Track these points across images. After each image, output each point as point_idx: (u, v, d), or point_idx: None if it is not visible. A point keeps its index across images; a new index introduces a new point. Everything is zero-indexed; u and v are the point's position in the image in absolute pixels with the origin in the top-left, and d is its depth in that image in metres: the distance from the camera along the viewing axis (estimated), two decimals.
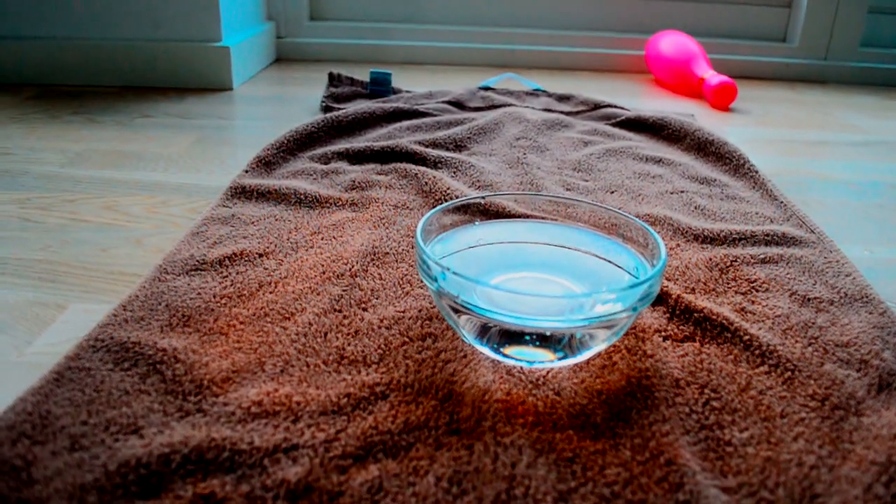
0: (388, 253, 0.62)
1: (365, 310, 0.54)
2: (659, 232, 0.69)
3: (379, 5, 1.57)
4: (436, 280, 0.46)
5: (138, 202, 0.76)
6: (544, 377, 0.46)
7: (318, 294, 0.56)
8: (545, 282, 0.52)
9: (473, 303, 0.44)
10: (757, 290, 0.58)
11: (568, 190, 0.79)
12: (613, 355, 0.49)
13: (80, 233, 0.68)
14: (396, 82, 1.35)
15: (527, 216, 0.63)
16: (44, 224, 0.70)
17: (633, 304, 0.44)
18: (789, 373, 0.48)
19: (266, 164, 0.83)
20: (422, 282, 0.58)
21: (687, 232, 0.69)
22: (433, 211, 0.53)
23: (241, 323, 0.52)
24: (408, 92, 1.22)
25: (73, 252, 0.64)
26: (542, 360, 0.46)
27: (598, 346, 0.47)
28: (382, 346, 0.49)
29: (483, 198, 0.58)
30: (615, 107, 1.14)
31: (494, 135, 0.97)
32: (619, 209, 0.73)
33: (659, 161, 0.90)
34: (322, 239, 0.65)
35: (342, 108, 1.10)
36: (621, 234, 0.55)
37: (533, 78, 1.44)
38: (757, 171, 0.84)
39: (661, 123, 1.02)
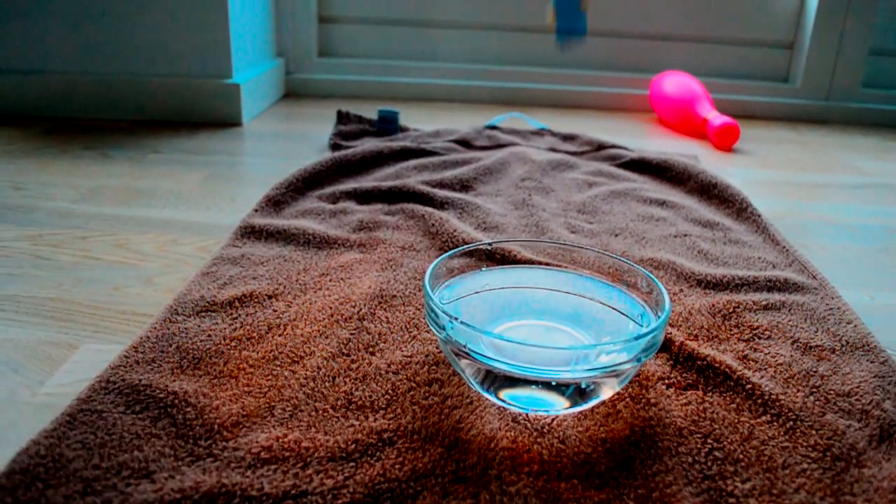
0: (395, 296, 0.63)
1: (372, 354, 0.55)
2: (662, 277, 0.70)
3: (387, 42, 1.59)
4: (443, 328, 0.46)
5: (149, 240, 0.77)
6: (549, 425, 0.47)
7: (327, 337, 0.57)
8: (551, 330, 0.53)
9: (480, 351, 0.45)
10: (759, 338, 0.59)
11: (573, 233, 0.80)
12: (618, 403, 0.50)
13: (92, 271, 0.69)
14: (404, 120, 1.37)
15: (532, 262, 0.64)
16: (56, 262, 0.71)
17: (637, 354, 0.45)
18: (791, 422, 0.49)
19: (275, 203, 0.84)
20: (429, 326, 0.58)
21: (690, 277, 0.69)
22: (441, 258, 0.54)
23: (251, 366, 0.52)
24: (415, 130, 1.24)
25: (85, 291, 0.65)
26: (547, 406, 0.47)
27: (603, 395, 0.48)
28: (390, 391, 0.50)
29: (490, 244, 0.59)
30: (619, 147, 1.15)
31: (500, 175, 0.99)
32: (623, 254, 0.74)
33: (662, 203, 0.91)
34: (330, 280, 0.66)
35: (350, 146, 1.12)
36: (625, 281, 0.56)
37: (538, 116, 1.46)
38: (759, 216, 0.86)
39: (664, 165, 1.04)
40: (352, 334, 0.57)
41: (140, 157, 1.07)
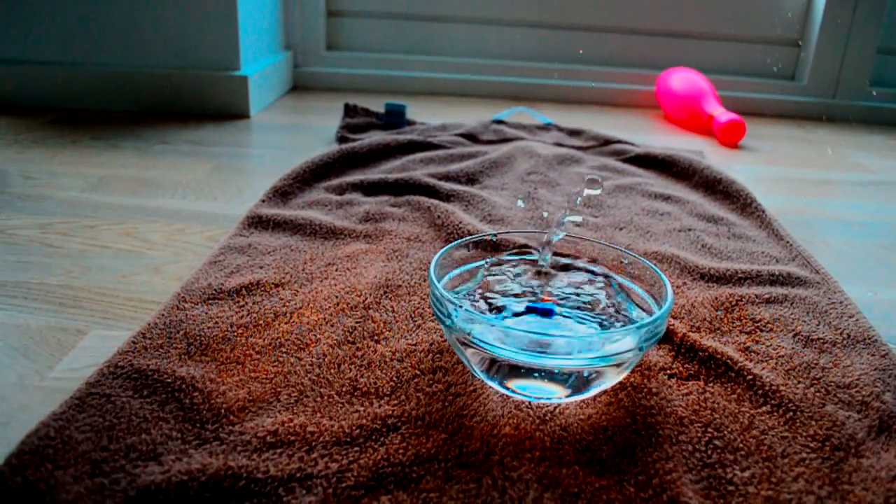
0: (400, 286, 0.64)
1: (377, 342, 0.55)
2: (666, 270, 0.70)
3: (394, 36, 1.60)
4: (448, 316, 0.47)
5: (157, 229, 0.78)
6: (551, 413, 0.47)
7: (333, 325, 0.57)
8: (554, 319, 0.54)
9: (484, 339, 0.46)
10: (761, 330, 0.60)
11: (577, 226, 0.81)
12: (619, 392, 0.50)
13: (101, 259, 0.70)
14: (410, 113, 1.37)
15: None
16: (65, 249, 0.72)
17: (639, 343, 0.46)
18: (791, 413, 0.49)
19: (282, 193, 0.85)
20: (433, 315, 0.59)
21: (693, 270, 0.70)
22: (446, 248, 0.54)
23: (257, 353, 0.53)
24: (422, 124, 1.24)
25: (94, 278, 0.66)
26: (550, 394, 0.48)
27: (605, 384, 0.48)
28: (394, 378, 0.51)
29: (495, 235, 0.59)
30: (625, 142, 1.15)
31: (506, 169, 0.99)
32: (628, 247, 0.75)
33: (667, 198, 0.91)
34: (336, 270, 0.67)
35: (357, 139, 1.12)
36: (629, 273, 0.56)
37: (544, 111, 1.46)
38: (763, 211, 0.86)
39: (669, 160, 1.04)
40: (357, 323, 0.58)
41: (147, 147, 1.07)
